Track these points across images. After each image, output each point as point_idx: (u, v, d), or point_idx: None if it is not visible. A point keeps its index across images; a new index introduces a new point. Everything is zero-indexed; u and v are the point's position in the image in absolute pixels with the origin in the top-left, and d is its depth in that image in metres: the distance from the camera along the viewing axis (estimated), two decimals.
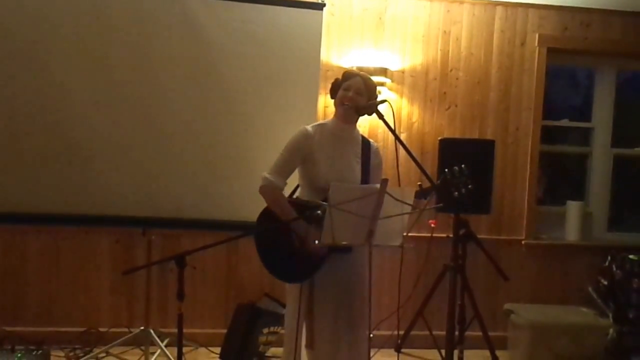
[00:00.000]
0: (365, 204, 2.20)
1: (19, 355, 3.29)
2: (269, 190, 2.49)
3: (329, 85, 4.02)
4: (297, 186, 2.63)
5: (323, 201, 2.24)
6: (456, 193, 2.53)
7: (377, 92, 2.60)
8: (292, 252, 2.42)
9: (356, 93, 2.48)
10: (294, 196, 2.61)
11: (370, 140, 2.66)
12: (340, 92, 2.52)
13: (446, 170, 2.55)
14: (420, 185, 2.49)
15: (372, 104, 2.47)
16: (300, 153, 2.51)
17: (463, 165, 2.55)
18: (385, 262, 3.90)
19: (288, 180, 2.55)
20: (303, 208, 2.43)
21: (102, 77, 3.57)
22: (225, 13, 3.65)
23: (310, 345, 2.47)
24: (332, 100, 2.61)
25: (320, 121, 2.72)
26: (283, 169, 2.52)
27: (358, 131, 2.64)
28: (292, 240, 2.41)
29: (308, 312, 2.46)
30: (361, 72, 2.62)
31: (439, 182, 2.54)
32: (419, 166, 2.46)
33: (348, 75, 2.56)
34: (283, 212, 2.45)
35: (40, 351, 3.40)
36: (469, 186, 2.53)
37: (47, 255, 3.93)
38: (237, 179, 3.68)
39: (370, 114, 2.50)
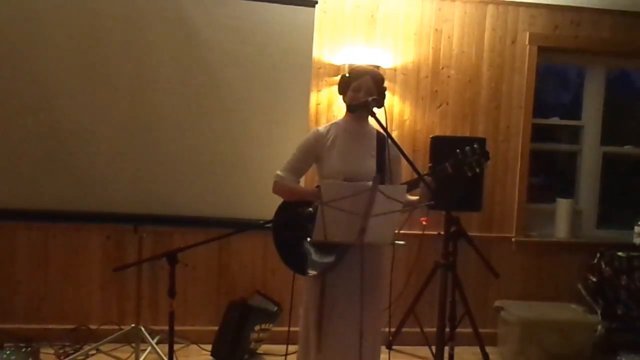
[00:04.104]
0: (357, 201, 2.20)
1: (8, 352, 3.28)
2: (278, 185, 2.54)
3: (321, 83, 4.09)
4: (317, 187, 2.64)
5: None
6: (470, 173, 2.51)
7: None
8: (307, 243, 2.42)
9: (366, 93, 2.47)
10: None
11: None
12: (351, 94, 2.51)
13: (457, 150, 2.53)
14: (430, 167, 2.47)
15: (364, 102, 2.45)
16: (312, 153, 2.55)
17: (475, 145, 2.52)
18: None
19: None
20: (299, 202, 2.46)
21: (93, 75, 3.55)
22: (217, 10, 3.64)
23: (318, 347, 2.44)
24: (342, 97, 2.60)
25: (333, 121, 2.73)
26: (294, 168, 2.56)
27: (372, 126, 2.62)
28: (308, 231, 2.39)
29: (318, 311, 2.44)
30: (368, 68, 2.60)
31: (450, 162, 2.52)
32: (410, 164, 2.46)
33: (357, 73, 2.52)
34: (295, 194, 2.51)
35: (29, 348, 3.39)
36: (484, 165, 2.50)
37: (37, 252, 3.91)
38: (229, 176, 3.68)
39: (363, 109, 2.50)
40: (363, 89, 2.47)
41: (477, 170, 2.50)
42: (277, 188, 2.56)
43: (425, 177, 2.46)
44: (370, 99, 2.43)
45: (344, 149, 2.53)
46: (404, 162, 2.47)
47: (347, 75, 2.57)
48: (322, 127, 2.60)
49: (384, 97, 2.53)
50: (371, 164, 2.53)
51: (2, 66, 3.50)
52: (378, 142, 2.58)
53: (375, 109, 2.42)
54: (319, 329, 2.43)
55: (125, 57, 3.58)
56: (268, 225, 2.56)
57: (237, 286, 4.06)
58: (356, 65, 2.66)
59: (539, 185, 4.65)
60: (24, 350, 3.35)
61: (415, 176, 2.45)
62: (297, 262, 2.47)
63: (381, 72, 3.96)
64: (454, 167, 2.50)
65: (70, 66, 3.54)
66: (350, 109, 2.52)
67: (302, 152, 2.56)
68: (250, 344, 3.80)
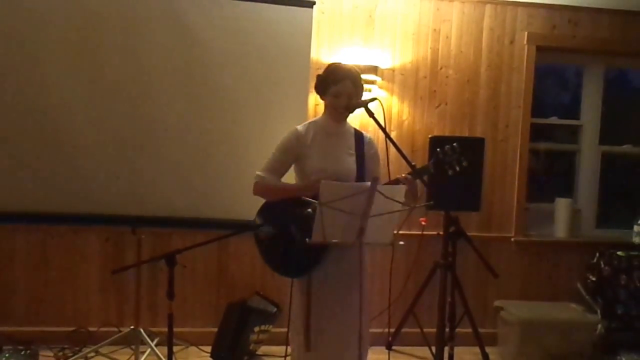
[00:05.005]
0: (355, 201, 2.20)
1: (7, 355, 3.27)
2: (260, 185, 2.52)
3: None
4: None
5: (314, 199, 2.24)
6: (450, 171, 2.53)
7: (367, 90, 2.59)
8: (292, 245, 2.41)
9: (348, 99, 2.47)
10: None
11: (363, 132, 2.67)
12: (331, 99, 2.50)
13: (438, 149, 2.55)
14: (414, 166, 2.48)
15: (363, 102, 2.47)
16: (292, 152, 2.53)
17: (455, 144, 2.54)
18: (376, 259, 3.90)
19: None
20: (297, 203, 2.44)
21: (91, 75, 3.55)
22: (215, 11, 3.63)
23: (307, 347, 2.44)
24: (319, 96, 2.58)
25: (311, 119, 2.73)
26: (275, 168, 2.54)
27: (349, 125, 2.64)
28: (291, 233, 2.40)
29: (305, 312, 2.43)
30: (346, 69, 2.54)
31: (432, 161, 2.53)
32: (409, 164, 2.47)
33: (336, 77, 2.48)
34: (284, 192, 2.49)
35: (28, 351, 3.39)
36: (463, 163, 2.52)
37: (36, 254, 3.90)
38: (227, 177, 3.67)
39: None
40: (344, 94, 2.46)
41: (458, 168, 2.52)
42: (261, 189, 2.53)
43: (408, 176, 2.45)
44: (368, 99, 2.46)
45: (324, 149, 2.53)
46: (403, 162, 2.47)
47: (325, 77, 2.52)
48: (300, 126, 2.58)
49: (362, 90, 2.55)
50: (350, 162, 2.55)
51: (1, 69, 3.50)
52: (356, 140, 2.60)
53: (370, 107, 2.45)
54: (307, 329, 2.43)
55: (124, 58, 3.57)
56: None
57: (237, 287, 4.05)
58: (334, 65, 2.60)
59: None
60: (23, 353, 3.35)
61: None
62: (280, 263, 2.48)
63: (379, 70, 4.02)
64: (436, 166, 2.52)
65: (68, 68, 3.53)
66: (348, 109, 2.52)
67: (282, 152, 2.54)
68: (249, 345, 3.79)
